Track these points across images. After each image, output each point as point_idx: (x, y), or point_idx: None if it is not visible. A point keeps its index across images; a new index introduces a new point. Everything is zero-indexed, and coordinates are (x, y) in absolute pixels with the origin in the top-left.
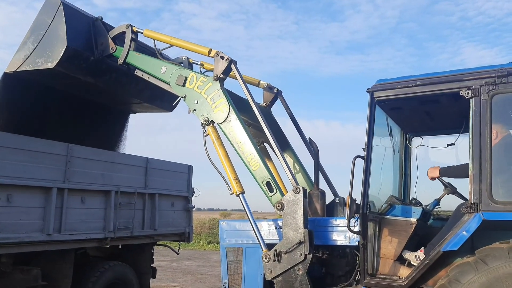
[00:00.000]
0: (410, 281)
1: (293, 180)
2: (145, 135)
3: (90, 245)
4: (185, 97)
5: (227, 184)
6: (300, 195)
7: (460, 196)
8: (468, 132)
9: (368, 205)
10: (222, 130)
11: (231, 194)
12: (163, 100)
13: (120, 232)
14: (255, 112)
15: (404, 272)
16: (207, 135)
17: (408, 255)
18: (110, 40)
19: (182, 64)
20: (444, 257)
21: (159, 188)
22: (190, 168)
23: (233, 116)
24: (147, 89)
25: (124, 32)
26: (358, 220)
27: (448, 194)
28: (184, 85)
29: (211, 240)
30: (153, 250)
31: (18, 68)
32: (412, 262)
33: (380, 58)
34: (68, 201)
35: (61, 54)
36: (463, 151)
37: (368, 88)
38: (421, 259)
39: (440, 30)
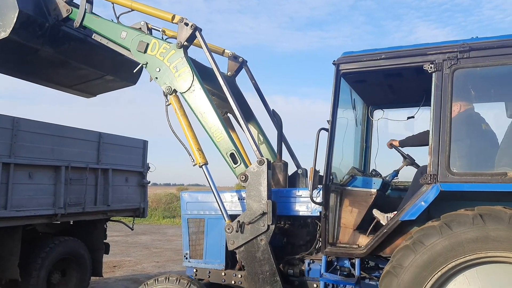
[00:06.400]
0: (369, 249)
1: (257, 152)
2: (98, 107)
3: (39, 222)
4: (146, 64)
5: (190, 155)
6: (264, 166)
7: (418, 167)
8: (428, 106)
9: (331, 177)
10: (185, 100)
11: (194, 165)
12: (125, 72)
13: (71, 208)
14: (219, 81)
15: (363, 240)
16: (169, 104)
17: (379, 214)
18: (63, 3)
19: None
20: (402, 226)
21: (113, 164)
22: (145, 143)
23: (197, 85)
24: (108, 59)
25: None
26: (321, 191)
27: (406, 166)
28: (145, 51)
29: (167, 215)
30: (106, 225)
31: None
32: (381, 221)
33: (339, 35)
34: (15, 176)
35: (14, 20)
36: (422, 124)
37: (334, 61)
38: None
39: (397, 9)
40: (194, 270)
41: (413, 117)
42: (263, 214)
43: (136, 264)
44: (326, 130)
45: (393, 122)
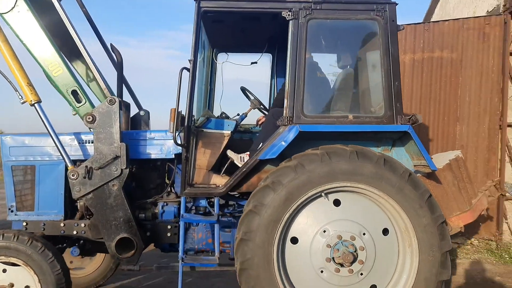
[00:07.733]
0: (228, 188)
1: (106, 90)
2: None
3: None
4: None
5: (17, 91)
6: (116, 106)
7: (265, 109)
8: (269, 53)
9: (193, 118)
10: (7, 22)
11: (22, 103)
12: None
13: None
14: (54, 4)
15: (217, 180)
16: None
17: (233, 155)
18: None
19: None
20: (257, 165)
21: None
22: None
23: (23, 5)
24: None
25: None
26: (181, 133)
27: (254, 109)
28: None
29: None
30: None
31: None
32: (235, 161)
33: None
34: None
35: None
36: (264, 70)
37: None
38: (245, 160)
39: None
40: (24, 224)
41: (256, 62)
42: (116, 158)
43: None
44: (188, 70)
45: (237, 66)
